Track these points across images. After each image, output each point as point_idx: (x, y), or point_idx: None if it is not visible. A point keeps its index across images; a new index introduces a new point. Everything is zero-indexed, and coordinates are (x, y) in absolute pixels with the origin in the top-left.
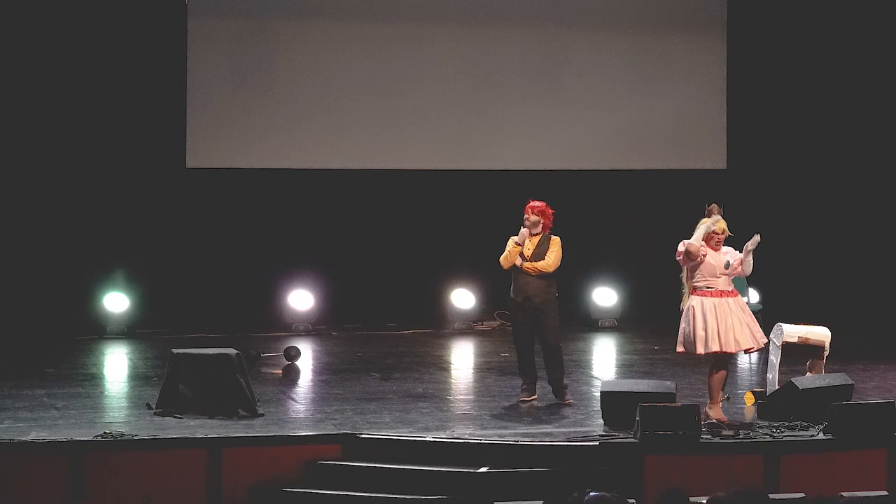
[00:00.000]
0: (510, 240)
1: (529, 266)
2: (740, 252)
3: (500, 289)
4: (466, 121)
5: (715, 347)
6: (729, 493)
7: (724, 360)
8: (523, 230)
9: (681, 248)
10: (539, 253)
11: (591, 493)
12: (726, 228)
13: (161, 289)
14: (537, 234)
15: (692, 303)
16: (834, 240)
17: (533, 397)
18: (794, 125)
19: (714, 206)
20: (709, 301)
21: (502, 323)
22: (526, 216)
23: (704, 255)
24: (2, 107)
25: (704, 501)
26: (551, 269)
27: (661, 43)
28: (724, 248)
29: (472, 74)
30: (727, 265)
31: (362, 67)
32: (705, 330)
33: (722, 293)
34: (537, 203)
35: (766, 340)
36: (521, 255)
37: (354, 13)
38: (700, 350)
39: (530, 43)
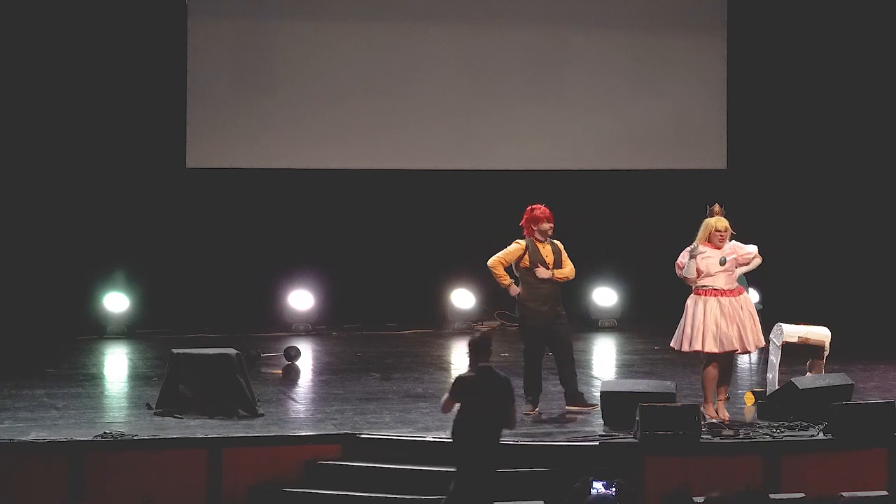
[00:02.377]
0: (515, 243)
1: (560, 275)
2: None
3: (500, 289)
4: (466, 121)
5: (696, 346)
6: (726, 494)
7: (715, 359)
8: None
9: (680, 263)
10: (557, 260)
11: (594, 493)
12: (728, 226)
13: (161, 289)
14: (545, 241)
15: (688, 301)
16: (834, 240)
17: (536, 409)
18: (794, 125)
19: (716, 206)
20: (701, 300)
21: (502, 323)
22: (549, 224)
23: (702, 272)
24: (2, 107)
25: (702, 501)
26: (573, 275)
27: (661, 43)
28: (729, 245)
29: (472, 74)
30: (722, 261)
31: (362, 67)
32: (692, 328)
33: (720, 292)
34: (547, 209)
35: (761, 345)
36: (544, 264)
37: (354, 13)
38: (685, 347)
39: (530, 43)
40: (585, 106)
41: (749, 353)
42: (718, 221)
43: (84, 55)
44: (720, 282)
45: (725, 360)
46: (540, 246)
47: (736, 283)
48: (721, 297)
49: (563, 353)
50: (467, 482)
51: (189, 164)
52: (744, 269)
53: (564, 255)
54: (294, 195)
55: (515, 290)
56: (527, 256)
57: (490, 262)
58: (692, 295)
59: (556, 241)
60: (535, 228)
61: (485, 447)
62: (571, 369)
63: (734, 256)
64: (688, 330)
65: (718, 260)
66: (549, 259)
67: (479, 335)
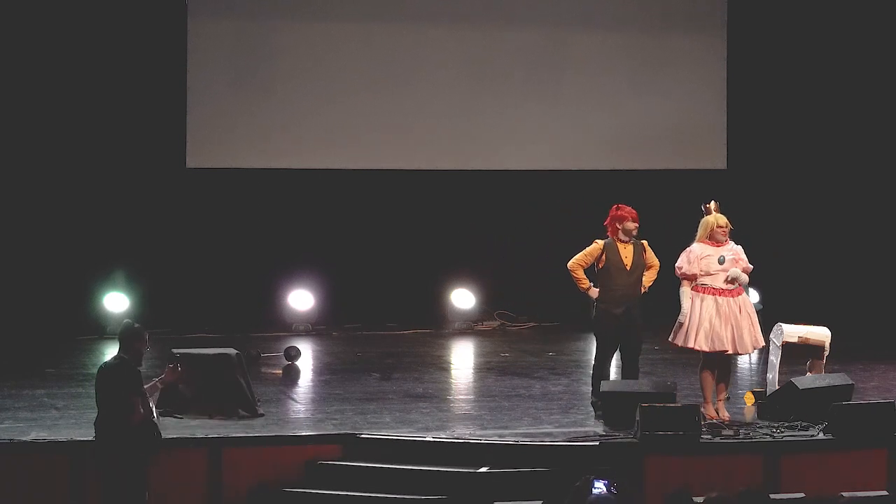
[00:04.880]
0: (594, 243)
1: (647, 281)
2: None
3: (500, 289)
4: (466, 121)
5: (690, 343)
6: (726, 494)
7: (710, 359)
8: None
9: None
10: (638, 261)
11: (595, 493)
12: (724, 223)
13: (161, 289)
14: (628, 241)
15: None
16: (833, 240)
17: None
18: (794, 125)
19: (712, 203)
20: (698, 297)
21: (502, 323)
22: (634, 224)
23: (702, 271)
24: (2, 107)
25: (702, 501)
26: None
27: (661, 43)
28: (731, 246)
29: (472, 74)
30: (721, 260)
31: (362, 68)
32: (688, 324)
33: (718, 291)
34: (633, 209)
35: (759, 346)
36: (621, 265)
37: (354, 13)
38: (678, 341)
39: (530, 43)
40: (585, 106)
41: (740, 354)
42: (719, 218)
43: (84, 55)
44: (719, 281)
45: (722, 360)
46: (621, 246)
47: (735, 284)
48: (719, 296)
49: (628, 359)
50: (105, 477)
51: (189, 164)
52: (745, 278)
53: (649, 253)
54: (294, 195)
55: (595, 292)
56: (604, 257)
57: (569, 264)
58: (694, 292)
59: (641, 242)
60: (619, 227)
61: (102, 440)
62: (635, 371)
63: (733, 257)
64: (684, 325)
65: (717, 258)
66: (628, 260)
67: (122, 324)
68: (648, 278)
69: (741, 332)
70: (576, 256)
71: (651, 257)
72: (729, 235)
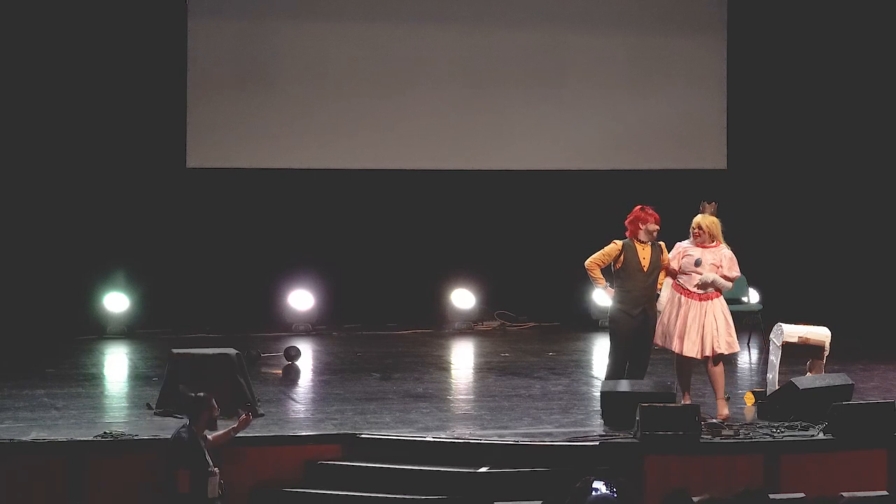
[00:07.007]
0: (612, 243)
1: (658, 283)
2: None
3: (500, 289)
4: (466, 121)
5: (661, 342)
6: (726, 494)
7: (681, 361)
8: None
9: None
10: (655, 263)
11: (595, 493)
12: (695, 224)
13: (161, 289)
14: (647, 242)
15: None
16: (833, 240)
17: None
18: (794, 125)
19: (703, 205)
20: (676, 296)
21: (502, 323)
22: (656, 226)
23: (680, 268)
24: (2, 107)
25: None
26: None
27: (661, 43)
28: (720, 250)
29: (472, 74)
30: (697, 262)
31: (362, 67)
32: (662, 323)
33: (687, 293)
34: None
35: (715, 353)
36: (639, 266)
37: (354, 13)
38: (656, 340)
39: (530, 43)
40: (585, 106)
41: (700, 359)
42: (699, 218)
43: (84, 55)
44: (691, 283)
45: (688, 362)
46: (639, 247)
47: (707, 290)
48: (687, 297)
49: (639, 359)
50: None
51: (189, 164)
52: (722, 283)
53: (665, 255)
54: (294, 195)
55: (611, 292)
56: (622, 257)
57: (587, 263)
58: (673, 289)
59: (659, 243)
60: (641, 228)
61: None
62: (639, 377)
63: (713, 262)
64: (659, 324)
65: (695, 260)
66: (646, 262)
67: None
68: (661, 280)
69: (710, 337)
70: (593, 256)
71: (667, 259)
72: (721, 238)
